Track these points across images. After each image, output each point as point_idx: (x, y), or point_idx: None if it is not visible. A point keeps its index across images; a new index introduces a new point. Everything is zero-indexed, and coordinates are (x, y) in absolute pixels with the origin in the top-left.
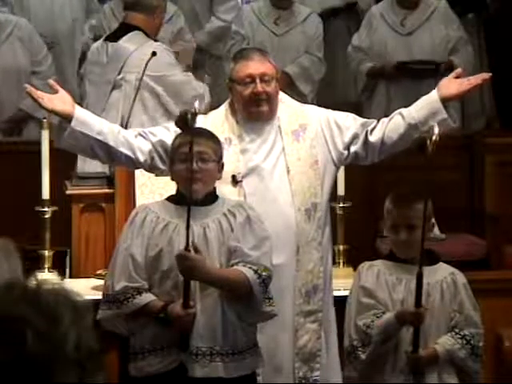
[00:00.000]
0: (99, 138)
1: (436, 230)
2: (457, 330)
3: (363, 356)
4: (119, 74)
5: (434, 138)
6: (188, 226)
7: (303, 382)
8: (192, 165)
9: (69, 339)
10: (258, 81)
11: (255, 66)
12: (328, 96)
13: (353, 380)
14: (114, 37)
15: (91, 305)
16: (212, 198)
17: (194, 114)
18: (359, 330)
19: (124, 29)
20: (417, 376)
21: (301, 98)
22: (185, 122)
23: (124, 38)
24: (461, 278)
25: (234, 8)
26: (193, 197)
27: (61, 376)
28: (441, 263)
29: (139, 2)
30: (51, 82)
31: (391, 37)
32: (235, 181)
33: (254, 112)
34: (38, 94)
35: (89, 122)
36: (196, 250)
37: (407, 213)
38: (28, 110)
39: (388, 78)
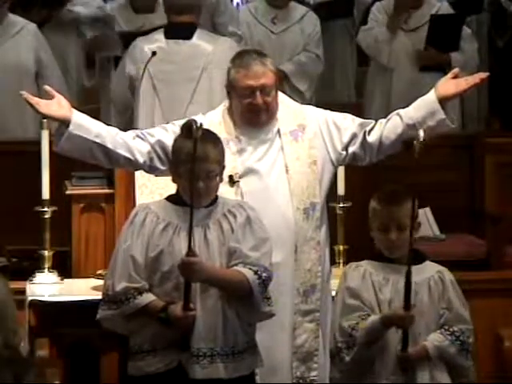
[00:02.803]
0: (97, 140)
1: (436, 230)
2: (446, 327)
3: (347, 358)
4: (201, 70)
5: (419, 141)
6: (190, 233)
7: (300, 381)
8: (198, 182)
9: None
10: (257, 93)
11: (255, 77)
12: (327, 96)
13: (337, 381)
14: (174, 35)
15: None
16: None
17: (198, 128)
18: (344, 332)
19: (179, 27)
20: (407, 374)
21: (299, 95)
22: (190, 132)
23: (195, 35)
24: (448, 275)
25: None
26: (196, 207)
27: None
28: (427, 262)
29: (193, 4)
30: (47, 87)
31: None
32: (232, 181)
33: (251, 120)
34: (35, 100)
35: (86, 125)
36: (194, 255)
37: (396, 212)
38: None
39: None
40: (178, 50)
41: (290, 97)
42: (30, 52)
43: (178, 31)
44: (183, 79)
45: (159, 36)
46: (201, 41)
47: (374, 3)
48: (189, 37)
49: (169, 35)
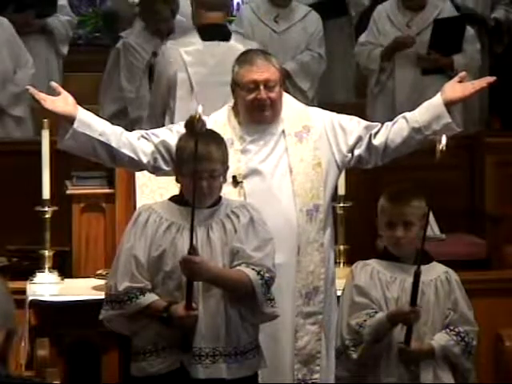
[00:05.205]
0: (101, 139)
1: (436, 230)
2: (451, 327)
3: (355, 355)
4: None
5: (440, 147)
6: (192, 231)
7: (302, 383)
8: (202, 181)
9: None
10: (261, 87)
11: (259, 71)
12: (326, 96)
13: (344, 380)
14: (210, 37)
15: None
16: (216, 199)
17: (198, 120)
18: (351, 330)
19: (213, 28)
20: (411, 371)
21: (301, 94)
22: (193, 126)
23: (232, 37)
24: (454, 276)
25: None
26: (199, 206)
27: None
28: (434, 262)
29: (226, 2)
30: (54, 84)
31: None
32: (236, 181)
33: (256, 117)
34: (41, 95)
35: (91, 123)
36: (196, 254)
37: (404, 209)
38: (3, 105)
39: (403, 48)
40: (216, 52)
41: (293, 97)
42: (10, 53)
43: (214, 32)
44: (221, 81)
45: (194, 38)
46: (237, 43)
47: (373, 5)
48: (226, 38)
49: (205, 37)
